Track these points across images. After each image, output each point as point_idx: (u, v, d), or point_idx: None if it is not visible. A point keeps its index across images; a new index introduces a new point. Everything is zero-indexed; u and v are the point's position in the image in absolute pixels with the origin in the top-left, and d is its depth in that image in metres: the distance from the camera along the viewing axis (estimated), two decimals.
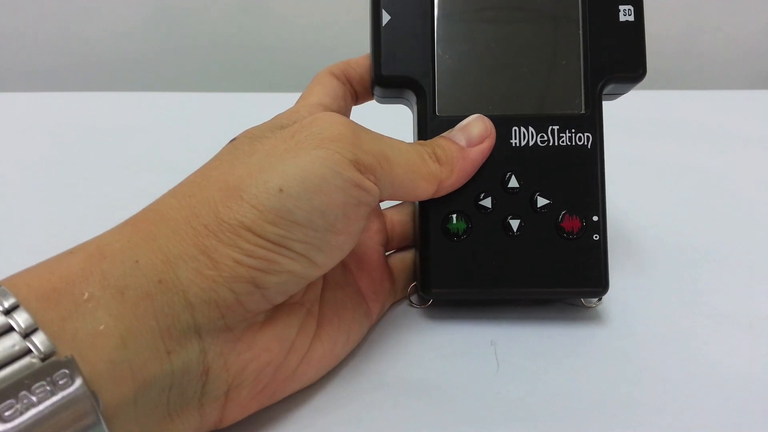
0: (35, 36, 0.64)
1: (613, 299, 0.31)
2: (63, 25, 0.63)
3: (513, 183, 0.28)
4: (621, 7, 0.29)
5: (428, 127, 0.29)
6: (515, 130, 0.29)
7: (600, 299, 0.30)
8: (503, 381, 0.26)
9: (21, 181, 0.43)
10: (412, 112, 0.30)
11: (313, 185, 0.22)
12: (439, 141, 0.28)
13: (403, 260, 0.32)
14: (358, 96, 0.31)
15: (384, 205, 0.32)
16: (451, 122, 0.28)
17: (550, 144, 0.28)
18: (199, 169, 0.24)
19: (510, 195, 0.28)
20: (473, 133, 0.28)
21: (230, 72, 0.64)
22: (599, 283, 0.28)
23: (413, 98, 0.29)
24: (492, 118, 0.28)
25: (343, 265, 0.28)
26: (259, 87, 0.64)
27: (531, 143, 0.29)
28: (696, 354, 0.28)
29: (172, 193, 0.23)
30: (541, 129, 0.29)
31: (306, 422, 0.25)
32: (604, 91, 0.29)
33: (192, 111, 0.51)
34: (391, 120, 0.33)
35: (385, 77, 0.29)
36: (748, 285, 0.33)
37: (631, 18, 0.29)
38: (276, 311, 0.24)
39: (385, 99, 0.31)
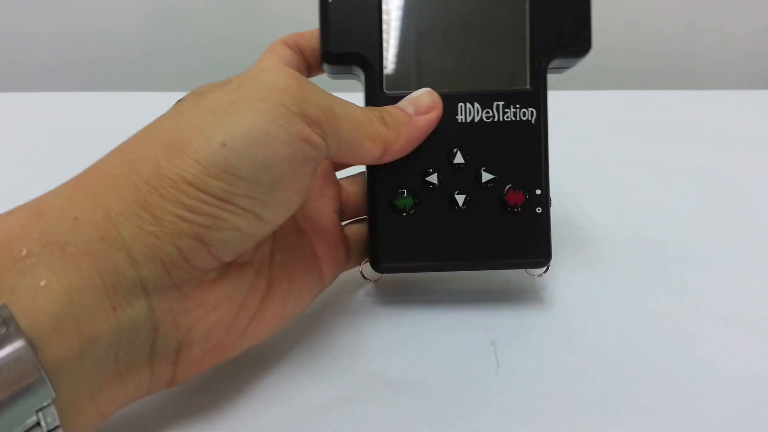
0: (35, 36, 0.64)
1: (612, 299, 0.31)
2: (63, 25, 0.63)
3: (458, 159, 0.29)
4: None
5: (376, 104, 0.29)
6: (461, 106, 0.29)
7: (546, 270, 0.30)
8: (503, 381, 0.26)
9: (21, 181, 0.43)
10: (362, 87, 0.30)
11: (256, 139, 0.22)
12: (387, 108, 0.28)
13: (357, 231, 0.32)
14: (311, 68, 0.31)
15: (339, 175, 0.32)
16: (398, 99, 0.29)
17: (496, 120, 0.29)
18: (143, 128, 0.24)
19: (456, 170, 0.29)
20: (421, 103, 0.28)
21: (230, 72, 0.64)
22: (542, 254, 0.29)
23: (361, 75, 0.30)
24: (444, 95, 0.29)
25: (298, 228, 0.28)
26: None
27: (477, 119, 0.29)
28: (695, 354, 0.28)
29: (114, 151, 0.23)
30: (486, 105, 0.29)
31: (305, 422, 0.25)
32: (550, 66, 0.29)
33: None
34: (347, 95, 0.33)
35: (333, 54, 0.29)
36: (748, 285, 0.33)
37: None
38: (225, 270, 0.23)
39: (335, 75, 0.31)
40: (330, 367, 0.28)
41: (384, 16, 0.29)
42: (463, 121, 0.29)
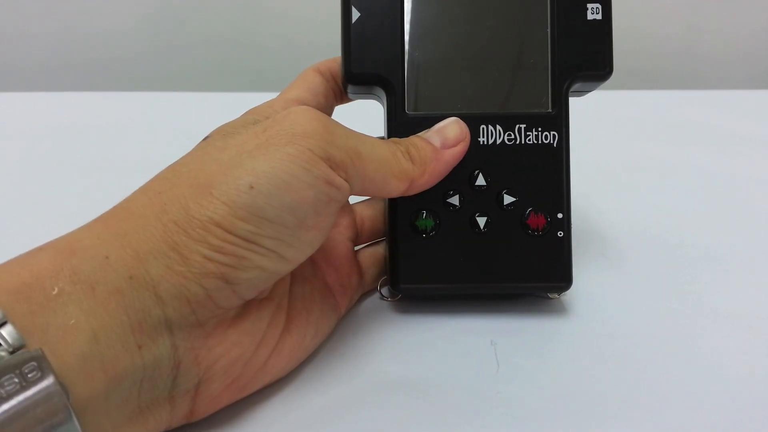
0: (35, 36, 0.64)
1: (612, 299, 0.31)
2: (63, 25, 0.63)
3: (480, 181, 0.29)
4: (589, 6, 0.29)
5: (397, 124, 0.29)
6: (483, 128, 0.29)
7: (564, 294, 0.30)
8: (503, 381, 0.26)
9: (21, 181, 0.43)
10: (384, 109, 0.31)
11: (283, 182, 0.22)
12: (413, 140, 0.28)
13: (372, 255, 0.32)
14: (343, 95, 0.32)
15: (353, 199, 0.32)
16: (420, 120, 0.29)
17: (518, 142, 0.29)
18: (170, 166, 0.24)
19: (477, 193, 0.29)
20: (449, 136, 0.28)
21: (230, 72, 0.64)
22: (563, 278, 0.29)
23: (383, 95, 0.30)
24: (461, 116, 0.29)
25: (311, 259, 0.28)
26: (259, 87, 0.64)
27: (498, 142, 0.29)
28: (695, 354, 0.28)
29: (143, 190, 0.23)
30: (508, 128, 0.29)
31: (304, 422, 0.25)
32: (571, 89, 0.30)
33: (191, 111, 0.51)
34: (374, 116, 0.33)
35: (355, 74, 0.29)
36: (748, 285, 0.33)
37: (599, 16, 0.29)
38: (246, 306, 0.24)
39: (357, 95, 0.32)
40: (330, 368, 0.28)
41: (406, 37, 0.29)
42: (485, 143, 0.29)
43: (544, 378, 0.27)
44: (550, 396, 0.26)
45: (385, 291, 0.32)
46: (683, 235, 0.37)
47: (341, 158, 0.24)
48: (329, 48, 0.64)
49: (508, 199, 0.29)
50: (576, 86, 0.30)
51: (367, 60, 0.29)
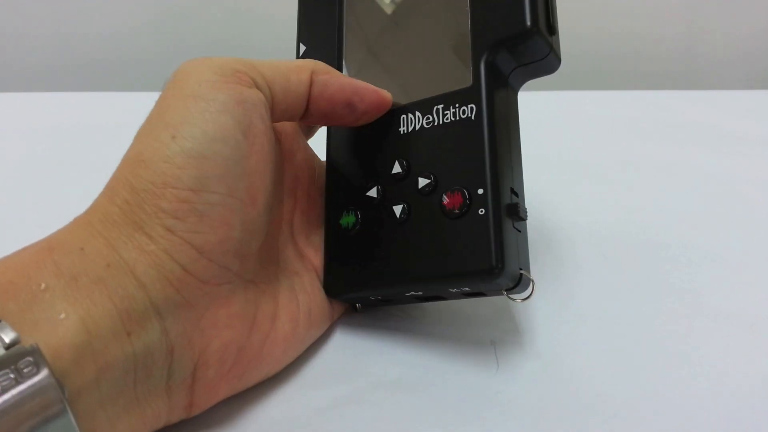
0: (35, 36, 0.64)
1: (611, 298, 0.31)
2: (63, 25, 0.63)
3: (397, 168, 0.28)
4: None
5: (336, 134, 0.30)
6: (403, 118, 0.28)
7: (530, 294, 0.26)
8: (503, 381, 0.26)
9: (20, 181, 0.43)
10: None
11: (197, 120, 0.23)
12: None
13: None
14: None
15: None
16: (357, 129, 0.29)
17: (435, 124, 0.27)
18: None
19: (396, 182, 0.28)
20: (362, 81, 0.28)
21: None
22: (488, 262, 0.24)
23: None
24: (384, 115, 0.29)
25: (300, 255, 0.29)
26: None
27: (417, 127, 0.28)
28: (696, 354, 0.28)
29: (104, 187, 0.24)
30: (427, 111, 0.28)
31: (303, 421, 0.25)
32: (509, 62, 0.27)
33: None
34: None
35: None
36: (748, 285, 0.33)
37: None
38: (234, 288, 0.24)
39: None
40: (330, 367, 0.28)
41: (344, 57, 0.30)
42: (405, 131, 0.28)
43: (543, 378, 0.27)
44: (550, 396, 0.26)
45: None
46: (683, 235, 0.37)
47: (235, 69, 0.25)
48: None
49: (422, 182, 0.27)
50: (510, 55, 0.27)
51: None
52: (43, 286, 0.20)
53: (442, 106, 0.27)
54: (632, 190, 0.42)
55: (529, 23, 0.26)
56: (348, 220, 0.28)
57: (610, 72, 0.65)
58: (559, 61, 0.28)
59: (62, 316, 0.19)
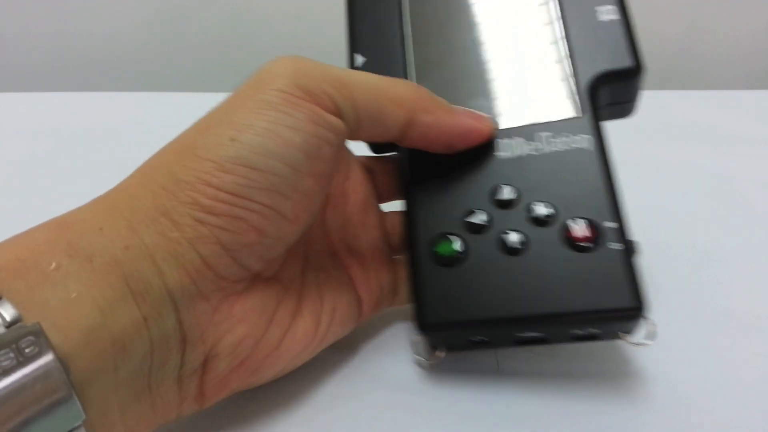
0: (35, 36, 0.64)
1: None
2: (63, 25, 0.63)
3: (506, 194, 0.25)
4: (598, 8, 0.28)
5: (415, 161, 0.27)
6: (501, 142, 0.26)
7: (653, 337, 0.24)
8: (503, 381, 0.26)
9: (20, 181, 0.42)
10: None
11: (264, 129, 0.21)
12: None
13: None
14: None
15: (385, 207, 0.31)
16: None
17: (546, 151, 0.26)
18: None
19: (504, 209, 0.25)
20: (473, 111, 0.26)
21: (230, 72, 0.64)
22: (629, 301, 0.23)
23: None
24: None
25: (332, 251, 0.28)
26: None
27: (521, 153, 0.26)
28: (697, 353, 0.28)
29: (137, 169, 0.23)
30: (530, 137, 0.26)
31: (301, 420, 0.25)
32: (604, 96, 0.27)
33: (191, 111, 0.51)
34: None
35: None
36: (748, 285, 0.33)
37: (615, 16, 0.28)
38: (253, 283, 0.23)
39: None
40: (330, 367, 0.28)
41: (412, 74, 0.28)
42: (507, 156, 0.26)
43: (543, 378, 0.27)
44: (550, 396, 0.26)
45: (418, 351, 0.27)
46: (683, 235, 0.37)
47: (322, 89, 0.23)
48: (329, 49, 0.64)
49: (542, 211, 0.25)
50: (606, 91, 0.27)
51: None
52: (53, 265, 0.19)
53: (550, 134, 0.26)
54: (631, 189, 0.42)
55: (637, 62, 0.27)
56: (448, 248, 0.25)
57: None
58: (634, 110, 0.29)
59: (74, 295, 0.18)
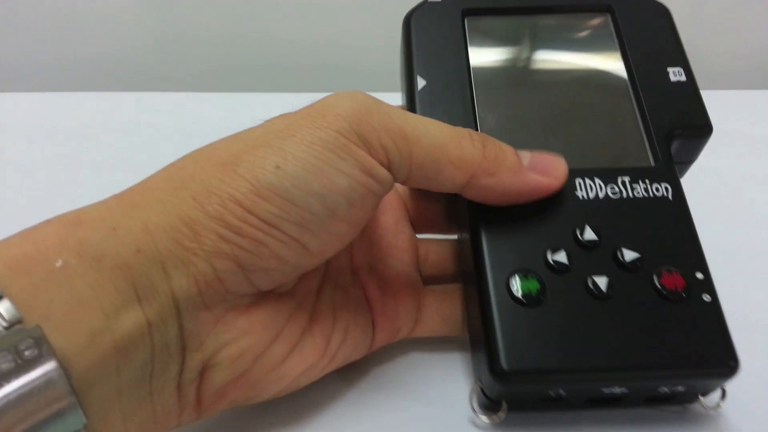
0: (35, 36, 0.64)
1: None
2: (62, 24, 0.63)
3: (590, 235, 0.24)
4: (670, 69, 0.29)
5: (477, 207, 0.25)
6: (580, 182, 0.26)
7: (722, 401, 0.24)
8: None
9: (21, 181, 0.42)
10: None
11: (313, 167, 0.21)
12: (493, 139, 0.24)
13: (436, 294, 0.28)
14: None
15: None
16: None
17: (624, 196, 0.25)
18: (199, 148, 0.23)
19: (587, 250, 0.24)
20: (544, 162, 0.25)
21: (230, 72, 0.64)
22: (725, 357, 0.22)
23: None
24: None
25: (353, 268, 0.27)
26: (258, 87, 0.64)
27: (601, 195, 0.25)
28: None
29: (167, 167, 0.22)
30: (610, 180, 0.26)
31: (301, 419, 0.25)
32: (673, 151, 0.27)
33: (191, 111, 0.51)
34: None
35: None
36: (749, 285, 0.33)
37: (683, 78, 0.29)
38: (263, 298, 0.23)
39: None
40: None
41: (476, 103, 0.28)
42: (586, 197, 0.25)
43: None
44: None
45: (477, 402, 0.25)
46: None
47: (381, 142, 0.22)
48: (331, 47, 0.64)
49: (629, 255, 0.24)
50: (675, 146, 0.28)
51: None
52: (60, 263, 0.18)
53: (629, 179, 0.26)
54: None
55: (709, 122, 0.28)
56: (529, 285, 0.23)
57: None
58: (681, 174, 0.29)
59: (78, 297, 0.18)
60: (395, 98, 0.51)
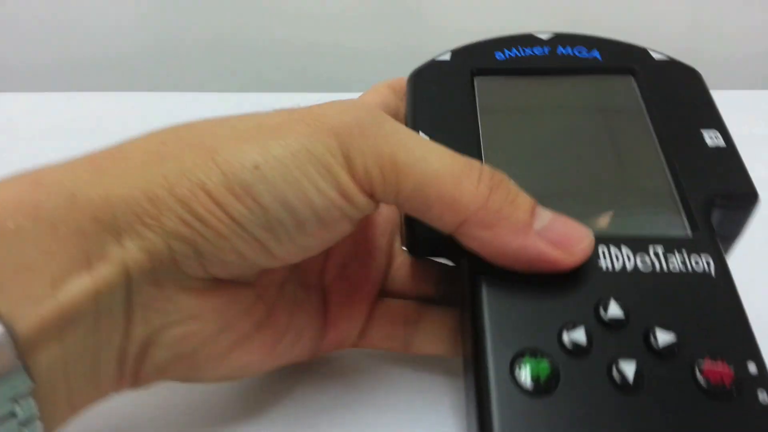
0: (35, 36, 0.64)
1: None
2: (62, 24, 0.63)
3: (615, 312, 0.20)
4: (705, 132, 0.26)
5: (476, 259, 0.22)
6: (603, 250, 0.22)
7: None
8: None
9: None
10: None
11: (292, 177, 0.20)
12: (504, 178, 0.21)
13: (392, 308, 0.27)
14: None
15: None
16: None
17: (657, 269, 0.21)
18: (187, 123, 0.22)
19: (612, 330, 0.20)
20: (561, 228, 0.21)
21: (230, 72, 0.64)
22: None
23: None
24: None
25: (322, 269, 0.27)
26: (259, 87, 0.64)
27: (629, 267, 0.22)
28: None
29: (146, 136, 0.21)
30: (639, 250, 0.22)
31: (304, 422, 0.25)
32: (713, 221, 0.24)
33: (192, 111, 0.51)
34: None
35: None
36: (749, 285, 0.33)
37: (720, 142, 0.26)
38: (220, 285, 0.22)
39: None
40: (329, 367, 0.28)
41: (483, 160, 0.25)
42: (610, 268, 0.21)
43: None
44: None
45: None
46: None
47: (366, 168, 0.20)
48: (331, 47, 0.64)
49: (664, 338, 0.20)
50: (716, 215, 0.24)
51: None
52: (13, 225, 0.18)
53: (662, 249, 0.22)
54: None
55: (755, 190, 0.24)
56: (540, 369, 0.19)
57: None
58: (725, 252, 0.25)
59: (29, 263, 0.18)
60: None
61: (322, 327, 0.26)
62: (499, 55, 0.29)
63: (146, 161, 0.20)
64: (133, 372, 0.21)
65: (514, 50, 0.29)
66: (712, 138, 0.26)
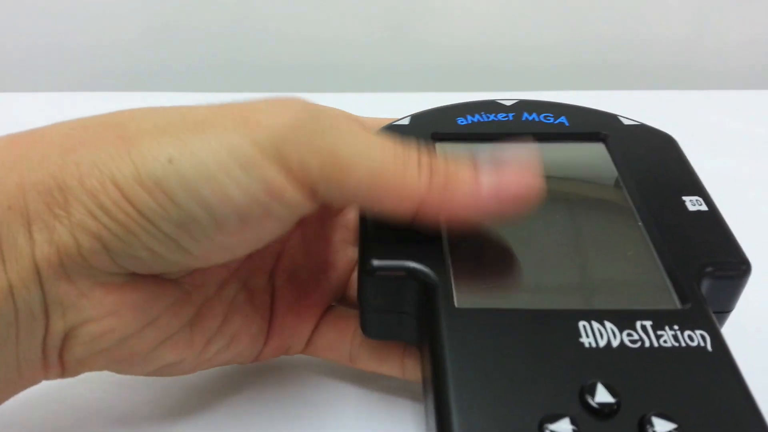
0: (35, 36, 0.64)
1: None
2: (63, 24, 0.63)
3: (603, 396, 0.18)
4: (686, 198, 0.25)
5: (440, 323, 0.20)
6: (584, 326, 0.20)
7: None
8: None
9: None
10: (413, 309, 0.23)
11: (208, 171, 0.18)
12: (443, 160, 0.21)
13: (339, 317, 0.26)
14: None
15: None
16: (477, 314, 0.20)
17: (647, 345, 0.20)
18: (124, 110, 0.21)
19: (601, 418, 0.18)
20: (507, 178, 0.20)
21: (230, 72, 0.64)
22: None
23: (413, 293, 0.22)
24: (547, 312, 0.20)
25: (270, 271, 0.26)
26: (259, 87, 0.64)
27: (614, 343, 0.20)
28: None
29: (74, 121, 0.21)
30: (625, 325, 0.20)
31: (304, 420, 0.25)
32: (702, 290, 0.22)
33: None
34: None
35: (376, 267, 0.22)
36: (749, 286, 0.33)
37: (703, 207, 0.25)
38: (141, 280, 0.21)
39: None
40: (328, 366, 0.28)
41: (450, 236, 0.23)
42: (593, 345, 0.19)
43: None
44: None
45: None
46: None
47: (304, 162, 0.19)
48: (330, 46, 0.64)
49: (662, 427, 0.17)
50: (707, 286, 0.22)
51: (389, 252, 0.22)
52: None
53: (651, 324, 0.20)
54: None
55: (746, 260, 0.23)
56: None
57: (611, 72, 0.65)
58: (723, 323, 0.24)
59: None
60: (395, 98, 0.51)
61: (262, 332, 0.25)
62: (461, 121, 0.28)
63: (65, 149, 0.19)
64: (59, 363, 0.21)
65: (477, 116, 0.28)
66: (694, 204, 0.25)
